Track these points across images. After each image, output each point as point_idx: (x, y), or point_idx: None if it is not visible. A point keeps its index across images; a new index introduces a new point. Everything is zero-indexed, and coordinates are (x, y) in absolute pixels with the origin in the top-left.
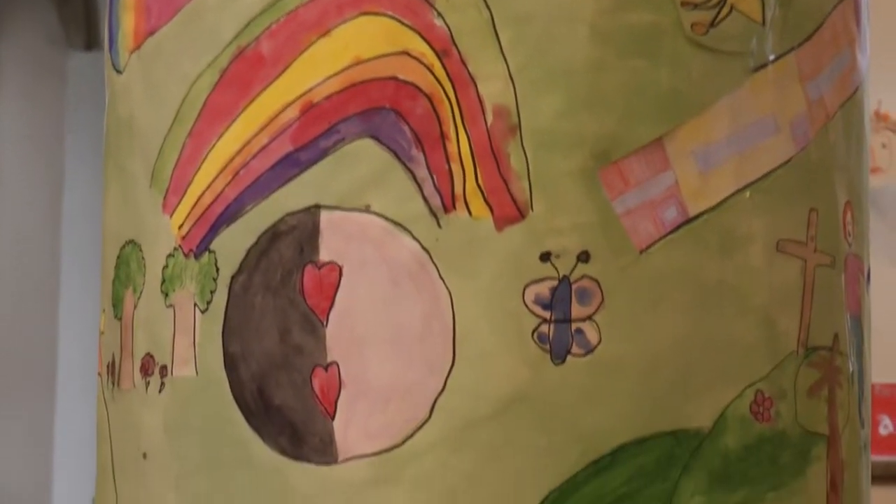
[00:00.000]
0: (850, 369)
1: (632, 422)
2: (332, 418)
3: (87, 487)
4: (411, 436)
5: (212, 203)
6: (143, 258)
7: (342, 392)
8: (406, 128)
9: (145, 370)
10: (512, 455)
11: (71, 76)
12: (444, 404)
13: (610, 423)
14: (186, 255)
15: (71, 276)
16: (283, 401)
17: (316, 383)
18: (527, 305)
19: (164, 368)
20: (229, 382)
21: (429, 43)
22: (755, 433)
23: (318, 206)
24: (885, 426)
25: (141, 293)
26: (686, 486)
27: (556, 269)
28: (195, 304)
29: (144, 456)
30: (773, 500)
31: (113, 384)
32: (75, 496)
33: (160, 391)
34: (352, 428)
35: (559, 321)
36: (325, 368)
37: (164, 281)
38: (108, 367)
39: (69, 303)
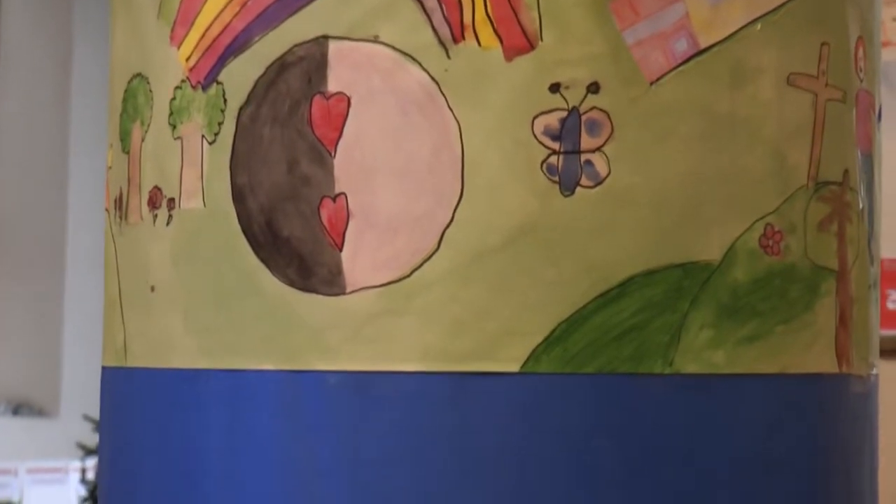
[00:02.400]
0: (861, 205)
1: (641, 254)
2: (340, 249)
3: (97, 365)
4: (419, 267)
5: (219, 34)
6: (150, 91)
7: (350, 223)
8: None
9: (153, 203)
10: (520, 287)
11: None
12: (453, 236)
13: (619, 254)
14: (194, 87)
15: (80, 148)
16: (290, 232)
17: (324, 214)
18: (536, 136)
19: (171, 201)
20: (237, 214)
21: None
22: (764, 266)
23: (326, 37)
24: (894, 300)
25: (148, 126)
26: (695, 318)
27: (565, 100)
28: (203, 136)
29: (152, 289)
30: (781, 334)
31: (120, 218)
32: (85, 374)
33: (168, 224)
34: (360, 259)
35: (568, 152)
36: (333, 199)
37: (171, 113)
38: (115, 201)
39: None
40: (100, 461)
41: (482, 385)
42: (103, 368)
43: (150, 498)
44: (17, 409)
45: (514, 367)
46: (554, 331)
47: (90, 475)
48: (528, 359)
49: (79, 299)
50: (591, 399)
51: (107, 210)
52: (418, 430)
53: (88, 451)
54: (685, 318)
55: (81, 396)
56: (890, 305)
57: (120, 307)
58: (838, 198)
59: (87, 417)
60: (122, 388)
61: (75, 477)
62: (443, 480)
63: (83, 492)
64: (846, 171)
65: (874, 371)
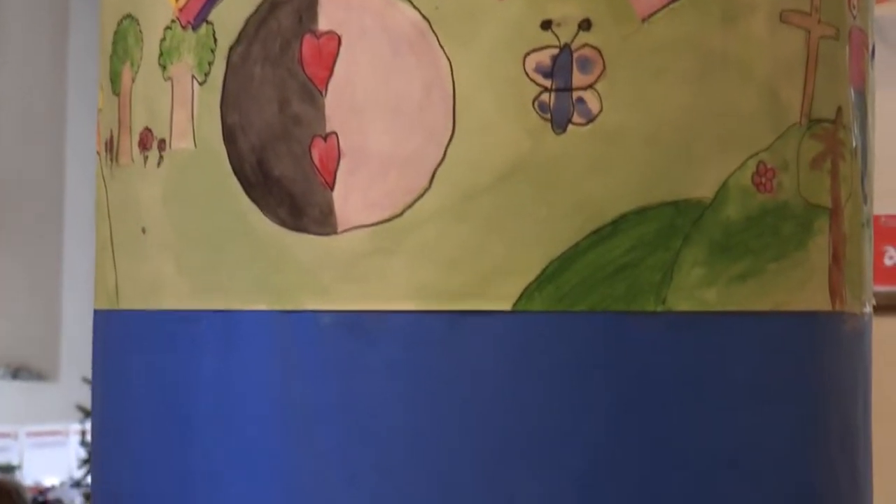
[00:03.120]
0: (854, 143)
1: (633, 191)
2: (332, 189)
3: None
4: (411, 206)
5: None
6: (140, 32)
7: (341, 162)
8: None
9: (143, 144)
10: (512, 225)
11: None
12: (444, 174)
13: (611, 192)
14: (184, 27)
15: (76, 111)
16: (282, 172)
17: (315, 153)
18: (527, 74)
19: (162, 142)
20: (228, 154)
21: None
22: (757, 204)
23: None
24: (891, 257)
25: (138, 68)
26: (687, 256)
27: (557, 37)
28: (193, 77)
29: (143, 231)
30: (774, 272)
31: (111, 161)
32: (84, 337)
33: (158, 165)
34: (351, 198)
35: (560, 90)
36: (325, 138)
37: (161, 54)
38: (106, 143)
39: (75, 139)
40: (93, 405)
41: (475, 323)
42: (95, 312)
43: (142, 440)
44: (17, 373)
45: (507, 306)
46: (546, 269)
47: (90, 437)
48: (520, 297)
49: (77, 262)
50: (584, 337)
51: (98, 153)
52: (411, 369)
53: (88, 414)
54: (677, 255)
55: (80, 359)
56: (887, 262)
57: (111, 250)
58: (831, 135)
59: (86, 380)
60: (114, 330)
61: (75, 439)
62: (436, 419)
63: (83, 454)
64: (839, 109)
65: (868, 310)
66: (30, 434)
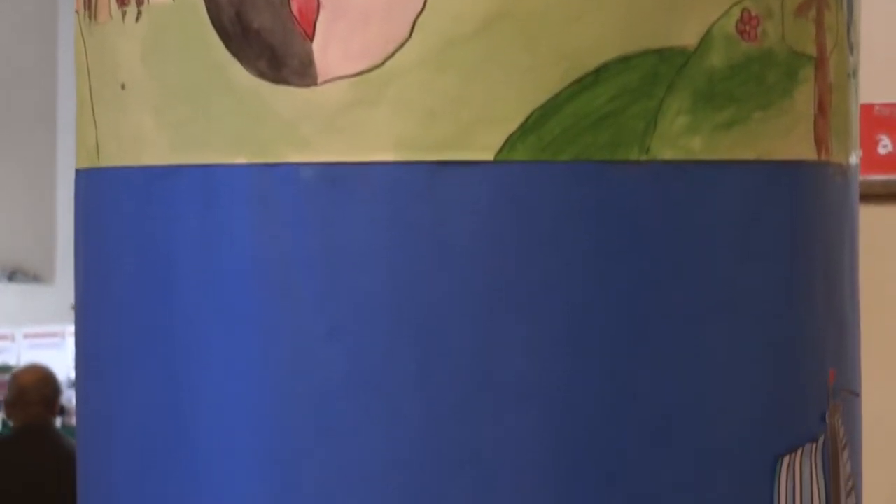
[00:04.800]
0: None
1: (616, 39)
2: (311, 39)
3: None
4: (392, 55)
5: None
6: None
7: (321, 13)
8: None
9: (121, 0)
10: (494, 74)
11: None
12: (425, 22)
13: (594, 40)
14: None
15: (69, 8)
16: (261, 24)
17: (294, 5)
18: None
19: None
20: (206, 7)
21: None
22: (741, 52)
23: None
24: (885, 146)
25: None
26: (671, 104)
27: None
28: None
29: (123, 86)
30: (759, 120)
31: (90, 18)
32: None
33: (137, 20)
34: (331, 49)
35: None
36: None
37: None
38: (84, 2)
39: (67, 35)
40: (75, 266)
41: (457, 174)
42: (77, 171)
43: (124, 298)
44: (13, 276)
45: (489, 156)
46: (529, 118)
47: None
48: (502, 147)
49: (72, 164)
50: (567, 187)
51: (77, 12)
52: (393, 220)
53: None
54: (661, 104)
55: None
56: (881, 151)
57: (91, 107)
58: None
59: None
60: (96, 188)
61: (72, 341)
62: (418, 270)
63: None
64: None
65: (854, 161)
66: (27, 336)
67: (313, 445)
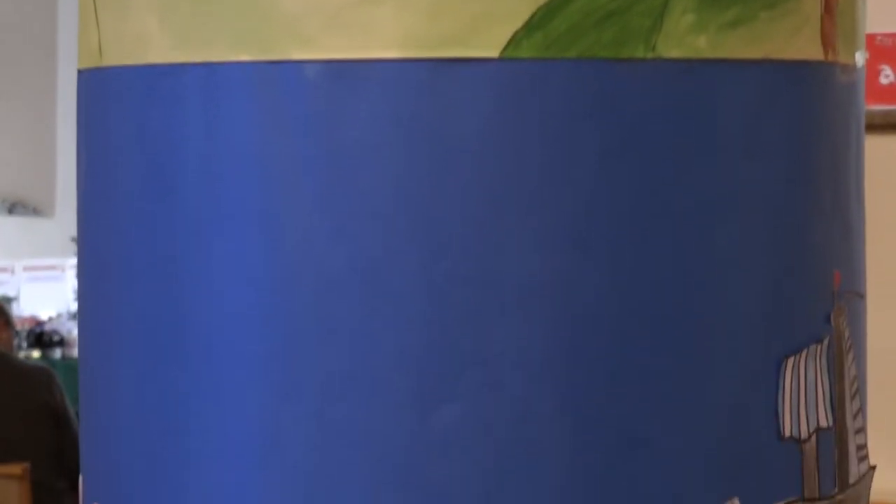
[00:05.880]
0: None
1: None
2: None
3: None
4: None
5: None
6: None
7: None
8: None
9: None
10: None
11: None
12: None
13: None
14: None
15: None
16: None
17: None
18: None
19: None
20: None
21: None
22: None
23: None
24: (886, 76)
25: None
26: (677, 2)
27: None
28: None
29: None
30: (766, 20)
31: None
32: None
33: None
34: None
35: None
36: None
37: None
38: None
39: None
40: (77, 169)
41: (462, 71)
42: (79, 72)
43: (126, 201)
44: (13, 208)
45: (494, 53)
46: (534, 15)
47: None
48: (507, 44)
49: (72, 95)
50: (573, 85)
51: None
52: (397, 118)
53: None
54: (667, 1)
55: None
56: (883, 81)
57: (94, 7)
58: None
59: None
60: (98, 89)
61: (71, 273)
62: (421, 170)
63: None
64: None
65: (860, 63)
66: (27, 268)
67: (316, 345)
